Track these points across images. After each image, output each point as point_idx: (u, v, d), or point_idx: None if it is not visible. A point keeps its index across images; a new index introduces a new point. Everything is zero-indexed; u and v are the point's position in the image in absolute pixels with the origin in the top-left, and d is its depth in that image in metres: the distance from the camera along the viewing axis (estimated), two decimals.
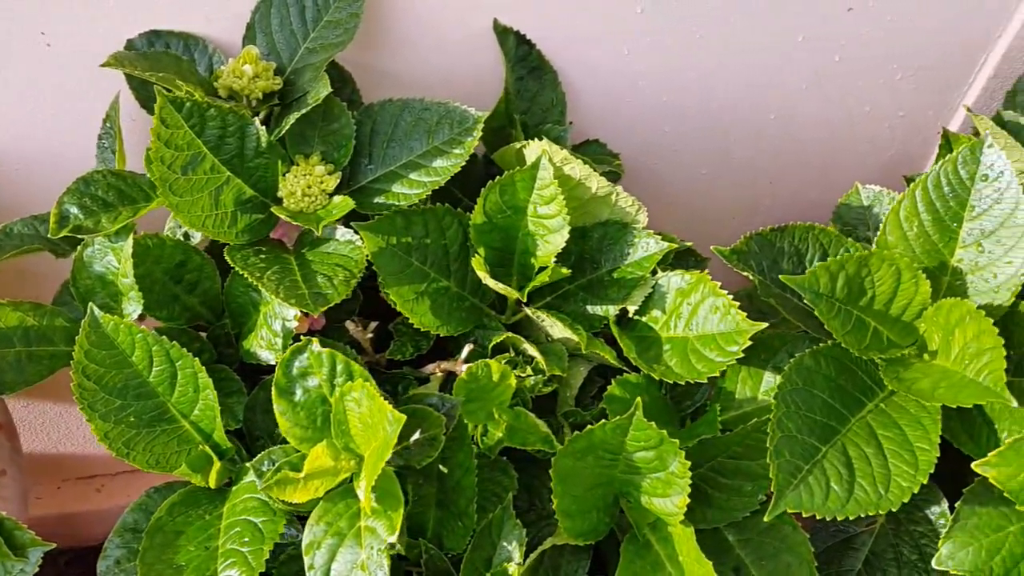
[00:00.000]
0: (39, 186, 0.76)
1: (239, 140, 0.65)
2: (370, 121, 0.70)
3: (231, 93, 0.68)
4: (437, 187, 0.68)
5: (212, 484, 0.64)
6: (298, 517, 0.63)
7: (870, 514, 0.56)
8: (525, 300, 0.70)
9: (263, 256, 0.64)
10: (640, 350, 0.67)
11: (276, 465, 0.59)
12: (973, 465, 0.55)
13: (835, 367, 0.61)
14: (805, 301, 0.60)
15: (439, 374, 0.72)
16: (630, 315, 0.70)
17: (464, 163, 0.68)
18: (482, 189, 0.68)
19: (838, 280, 0.60)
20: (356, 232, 0.65)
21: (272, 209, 0.65)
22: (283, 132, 0.66)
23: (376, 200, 0.68)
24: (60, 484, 1.09)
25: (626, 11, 0.76)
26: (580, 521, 0.61)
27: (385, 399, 0.62)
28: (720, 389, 0.68)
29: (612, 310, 0.70)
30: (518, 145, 0.72)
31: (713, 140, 0.89)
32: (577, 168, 0.69)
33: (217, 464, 0.63)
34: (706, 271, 0.66)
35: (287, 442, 0.61)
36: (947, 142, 0.79)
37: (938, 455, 0.58)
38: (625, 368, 0.69)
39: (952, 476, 0.63)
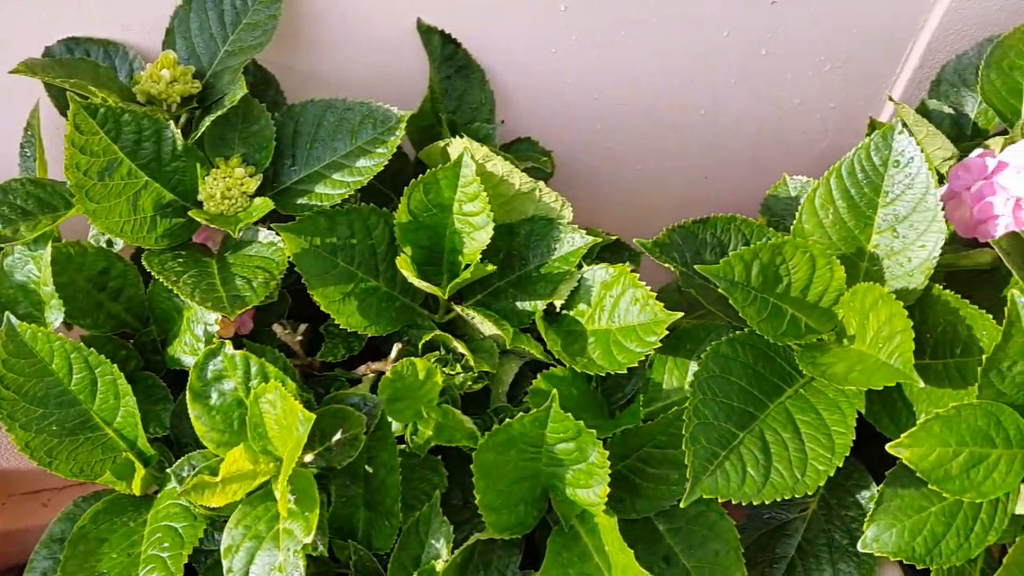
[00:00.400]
0: None
1: (155, 144, 0.64)
2: (292, 122, 0.70)
3: (149, 98, 0.67)
4: (360, 187, 0.68)
5: (137, 491, 0.63)
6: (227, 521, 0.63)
7: (786, 498, 0.56)
8: (452, 298, 0.70)
9: (181, 260, 0.64)
10: (566, 344, 0.67)
11: (195, 470, 0.58)
12: (887, 447, 0.56)
13: (752, 354, 0.61)
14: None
15: (370, 375, 0.72)
16: (558, 310, 0.70)
17: (387, 162, 0.68)
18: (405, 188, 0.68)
19: (752, 268, 0.61)
20: (278, 234, 0.65)
21: (190, 213, 0.65)
22: (201, 135, 0.66)
23: (299, 201, 0.68)
24: (5, 500, 1.08)
25: (550, 10, 0.77)
26: (506, 515, 0.61)
27: (308, 401, 0.61)
28: (648, 380, 0.68)
29: (540, 305, 0.70)
30: (443, 143, 0.72)
31: (646, 136, 0.89)
32: (499, 165, 0.69)
33: (141, 471, 0.63)
34: (627, 264, 0.66)
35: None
36: (873, 131, 0.80)
37: (854, 438, 0.59)
38: (553, 363, 0.69)
39: (882, 461, 0.64)
